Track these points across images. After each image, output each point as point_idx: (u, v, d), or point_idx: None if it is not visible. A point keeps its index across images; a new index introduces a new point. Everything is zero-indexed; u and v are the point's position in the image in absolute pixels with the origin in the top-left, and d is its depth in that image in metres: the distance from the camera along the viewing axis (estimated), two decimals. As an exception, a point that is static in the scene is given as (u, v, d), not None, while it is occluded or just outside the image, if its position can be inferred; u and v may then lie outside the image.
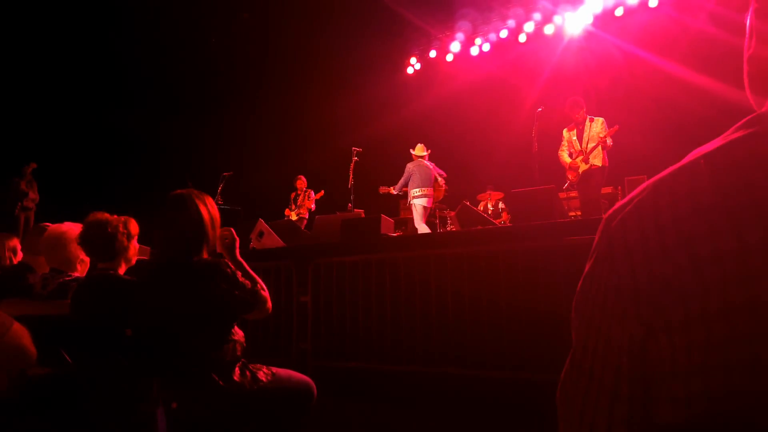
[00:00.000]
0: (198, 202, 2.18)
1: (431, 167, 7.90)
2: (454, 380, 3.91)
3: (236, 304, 2.10)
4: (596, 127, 6.48)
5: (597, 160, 6.43)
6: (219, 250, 2.35)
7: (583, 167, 6.50)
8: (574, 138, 6.59)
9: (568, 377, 0.67)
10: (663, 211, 0.59)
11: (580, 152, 6.52)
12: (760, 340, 0.50)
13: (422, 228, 7.57)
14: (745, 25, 0.71)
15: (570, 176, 6.66)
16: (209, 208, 2.21)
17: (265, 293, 2.24)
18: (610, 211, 0.67)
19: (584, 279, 0.67)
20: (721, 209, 0.55)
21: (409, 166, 7.89)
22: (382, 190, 8.27)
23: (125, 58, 10.11)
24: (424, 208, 7.67)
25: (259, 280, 2.28)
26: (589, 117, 6.58)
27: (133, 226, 2.62)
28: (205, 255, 2.18)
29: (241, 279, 2.14)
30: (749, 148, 0.58)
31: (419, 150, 8.03)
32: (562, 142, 6.73)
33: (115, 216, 2.57)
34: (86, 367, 2.34)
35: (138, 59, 10.17)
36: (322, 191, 9.30)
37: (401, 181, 7.93)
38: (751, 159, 0.56)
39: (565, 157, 6.69)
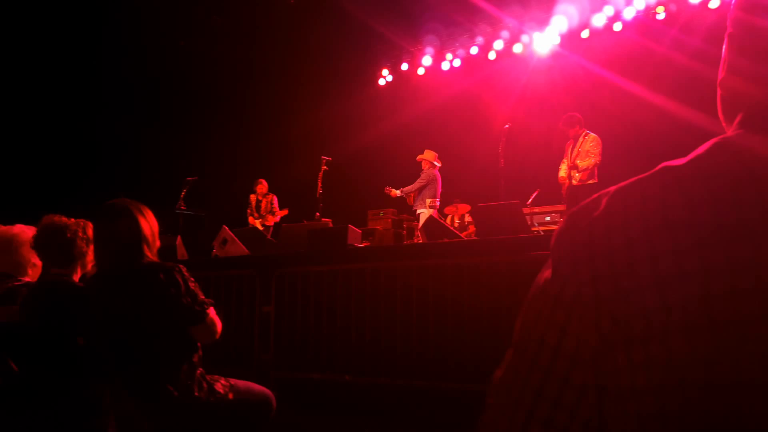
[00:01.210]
0: (132, 210, 2.13)
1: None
2: (418, 392, 3.89)
3: (182, 313, 2.03)
4: (586, 144, 6.53)
5: (576, 178, 6.51)
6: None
7: (567, 183, 6.61)
8: (570, 153, 6.67)
9: (502, 383, 0.66)
10: (633, 224, 0.58)
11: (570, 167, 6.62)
12: (718, 360, 0.50)
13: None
14: (710, 51, 0.72)
15: (562, 190, 6.76)
16: (144, 217, 2.16)
17: (216, 319, 2.17)
18: (575, 210, 0.67)
19: (541, 278, 0.66)
20: (689, 227, 0.55)
21: (430, 173, 7.67)
22: (387, 190, 8.06)
23: (86, 58, 9.86)
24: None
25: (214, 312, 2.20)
26: (584, 133, 6.62)
27: (92, 231, 2.53)
28: (154, 258, 2.13)
29: (192, 288, 2.07)
30: (717, 168, 0.58)
31: (432, 157, 7.79)
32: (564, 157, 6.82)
33: (73, 220, 2.48)
34: (35, 376, 2.25)
35: (100, 59, 9.93)
36: (287, 210, 9.13)
37: (417, 186, 7.67)
38: (718, 180, 0.57)
39: (561, 170, 6.76)
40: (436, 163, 7.79)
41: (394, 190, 7.95)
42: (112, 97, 10.26)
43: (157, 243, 2.21)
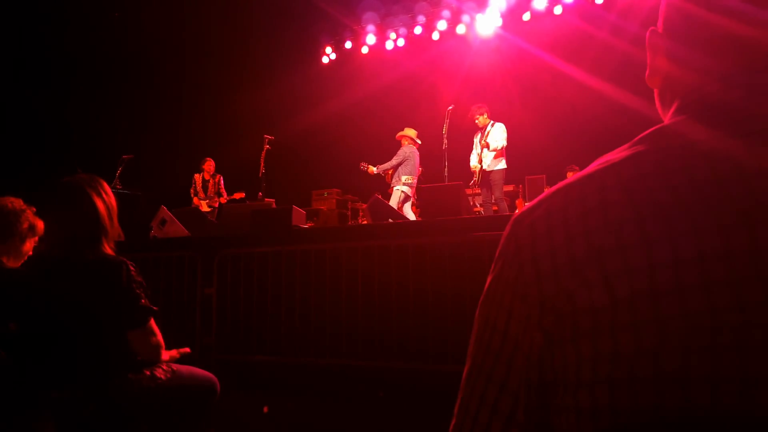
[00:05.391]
0: (91, 192, 2.00)
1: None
2: (363, 371, 3.93)
3: (121, 312, 1.95)
4: (494, 131, 6.87)
5: (487, 163, 6.84)
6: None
7: (480, 168, 6.92)
8: (479, 141, 6.98)
9: (467, 380, 0.66)
10: (573, 222, 0.59)
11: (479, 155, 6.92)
12: (665, 354, 0.50)
13: (411, 214, 7.26)
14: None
15: (475, 178, 6.96)
16: (105, 198, 2.03)
17: (157, 330, 2.06)
18: (518, 213, 0.67)
19: (491, 282, 0.66)
20: (632, 223, 0.55)
21: (407, 150, 7.39)
22: (363, 166, 7.69)
23: (15, 30, 9.26)
24: (407, 196, 7.33)
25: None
26: (492, 122, 6.91)
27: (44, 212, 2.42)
28: (107, 249, 2.02)
29: (136, 289, 1.97)
30: (656, 162, 0.58)
31: (414, 134, 7.51)
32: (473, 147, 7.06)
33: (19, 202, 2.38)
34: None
35: (30, 31, 9.35)
36: (243, 193, 8.82)
37: (393, 163, 7.36)
38: (657, 175, 0.57)
39: (472, 160, 7.05)
40: (417, 140, 7.55)
41: (371, 167, 7.62)
42: (43, 70, 9.69)
43: (116, 223, 2.07)
